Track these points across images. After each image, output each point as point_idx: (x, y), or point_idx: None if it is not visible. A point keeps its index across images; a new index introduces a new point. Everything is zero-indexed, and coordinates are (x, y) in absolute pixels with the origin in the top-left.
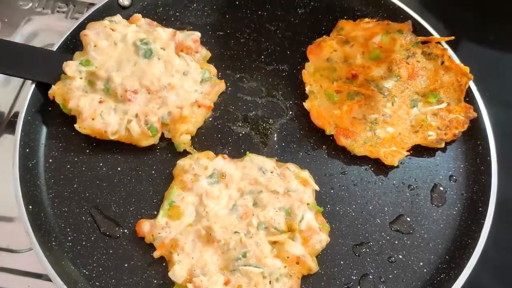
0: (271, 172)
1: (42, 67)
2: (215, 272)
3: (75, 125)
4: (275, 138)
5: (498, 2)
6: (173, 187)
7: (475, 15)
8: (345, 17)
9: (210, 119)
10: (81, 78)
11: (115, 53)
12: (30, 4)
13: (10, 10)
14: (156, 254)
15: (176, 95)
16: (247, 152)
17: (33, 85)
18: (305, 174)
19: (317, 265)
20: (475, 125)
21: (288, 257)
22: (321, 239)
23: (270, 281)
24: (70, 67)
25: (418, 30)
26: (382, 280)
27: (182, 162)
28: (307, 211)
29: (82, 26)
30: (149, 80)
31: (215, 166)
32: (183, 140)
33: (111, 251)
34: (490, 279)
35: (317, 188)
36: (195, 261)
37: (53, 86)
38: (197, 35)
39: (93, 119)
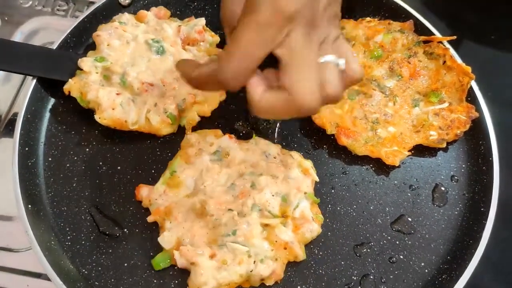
0: (274, 157)
1: (54, 65)
2: (203, 245)
3: (95, 115)
4: (276, 138)
5: (501, 1)
6: (177, 158)
7: (477, 15)
8: (346, 17)
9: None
10: (97, 73)
11: (128, 50)
12: (30, 3)
13: (10, 9)
14: (150, 219)
15: None
16: (254, 134)
17: (33, 84)
18: (308, 164)
19: (305, 254)
20: (477, 125)
21: (276, 241)
22: (313, 228)
23: (254, 261)
24: (86, 62)
25: (419, 29)
26: (383, 281)
27: (189, 136)
28: (303, 199)
29: (82, 24)
30: (163, 74)
31: (221, 144)
32: (192, 117)
33: (110, 251)
34: (491, 279)
35: (317, 179)
36: (185, 231)
37: (69, 80)
38: (200, 24)
39: (113, 109)
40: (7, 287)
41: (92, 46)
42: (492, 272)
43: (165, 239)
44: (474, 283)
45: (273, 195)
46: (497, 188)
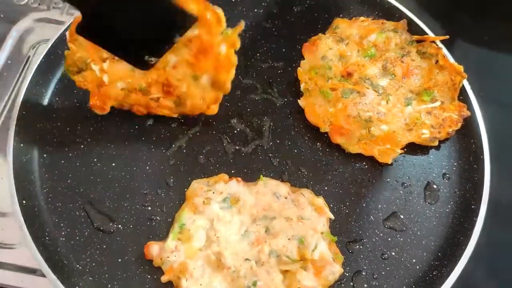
0: (285, 198)
1: None
2: None
3: None
4: (270, 135)
5: (495, 2)
6: (184, 210)
7: (471, 15)
8: (341, 16)
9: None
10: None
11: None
12: (26, 0)
13: (6, 6)
14: (164, 279)
15: None
16: (261, 175)
17: (28, 80)
18: (320, 201)
19: None
20: (469, 124)
21: None
22: (334, 270)
23: None
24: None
25: (413, 29)
26: (375, 277)
27: (196, 184)
28: (321, 240)
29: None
30: None
31: (229, 190)
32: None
33: (104, 246)
34: (483, 275)
35: (332, 216)
36: None
37: None
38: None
39: None
40: (1, 283)
41: None
42: (484, 268)
43: None
44: (465, 278)
45: (289, 239)
46: (488, 186)
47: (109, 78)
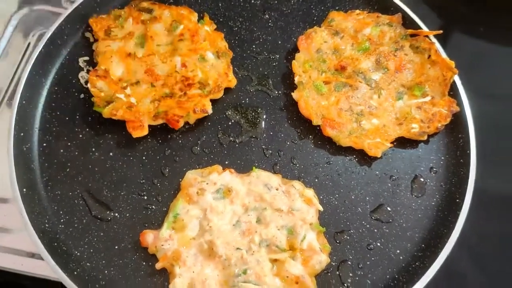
0: (276, 189)
1: None
2: (215, 287)
3: None
4: (264, 127)
5: None
6: (178, 199)
7: (468, 6)
8: (337, 8)
9: None
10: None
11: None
12: None
13: None
14: (158, 266)
15: None
16: (254, 167)
17: (28, 70)
18: (310, 193)
19: (316, 286)
20: (457, 119)
21: (287, 276)
22: (321, 259)
23: None
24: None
25: (407, 22)
26: (360, 266)
27: (190, 175)
28: (310, 231)
29: (80, 6)
30: None
31: (222, 181)
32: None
33: (102, 234)
34: (466, 266)
35: (321, 208)
36: (195, 275)
37: None
38: None
39: None
40: (1, 265)
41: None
42: (467, 258)
43: (177, 286)
44: (451, 267)
45: (279, 229)
46: (473, 180)
47: (136, 98)
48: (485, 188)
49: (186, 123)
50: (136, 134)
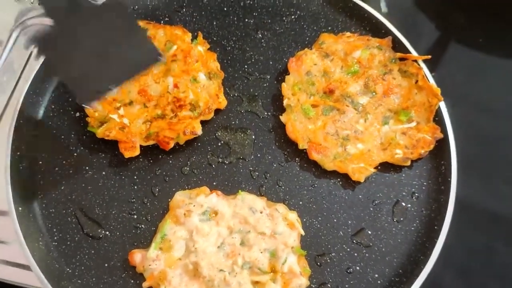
0: (261, 212)
1: None
2: None
3: None
4: (252, 148)
5: (493, 4)
6: (166, 220)
7: (468, 17)
8: (329, 28)
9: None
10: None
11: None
12: None
13: (6, 4)
14: (145, 285)
15: None
16: (240, 190)
17: (25, 89)
18: (293, 216)
19: None
20: (441, 146)
21: None
22: (301, 283)
23: None
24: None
25: (397, 46)
26: None
27: (178, 197)
28: (291, 254)
29: None
30: None
31: (209, 203)
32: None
33: (93, 251)
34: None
35: (303, 232)
36: None
37: None
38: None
39: None
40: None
41: None
42: (453, 271)
43: None
44: (434, 281)
45: (261, 252)
46: (452, 208)
47: (129, 119)
48: (470, 204)
49: (177, 143)
50: (128, 154)
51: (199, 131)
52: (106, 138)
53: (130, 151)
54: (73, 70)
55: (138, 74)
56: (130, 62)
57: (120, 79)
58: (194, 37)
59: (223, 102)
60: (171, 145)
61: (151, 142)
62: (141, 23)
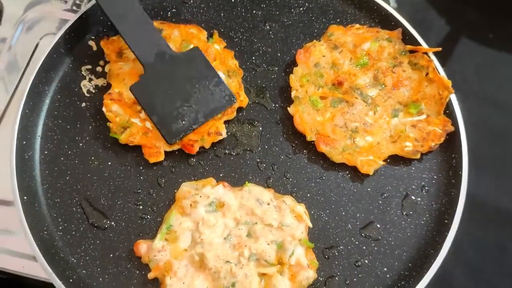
0: (268, 204)
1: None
2: None
3: None
4: (259, 140)
5: (503, 0)
6: (172, 211)
7: (478, 12)
8: (338, 20)
9: None
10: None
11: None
12: None
13: None
14: (151, 276)
15: None
16: (247, 181)
17: (31, 79)
18: (300, 209)
19: None
20: (452, 139)
21: None
22: (309, 275)
23: None
24: None
25: (407, 38)
26: (347, 283)
27: (184, 188)
28: (298, 246)
29: (84, 15)
30: None
31: (215, 194)
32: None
33: (98, 242)
34: (462, 275)
35: (310, 225)
36: (186, 286)
37: None
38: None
39: None
40: (4, 267)
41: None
42: (463, 268)
43: None
44: (444, 277)
45: (268, 244)
46: (463, 202)
47: (151, 123)
48: (481, 200)
49: (202, 147)
50: (153, 160)
51: (223, 131)
52: (130, 144)
53: (155, 157)
54: (161, 110)
55: (216, 116)
56: (211, 106)
57: (201, 120)
58: (210, 36)
59: (244, 100)
60: (196, 148)
61: (176, 147)
62: (156, 23)
